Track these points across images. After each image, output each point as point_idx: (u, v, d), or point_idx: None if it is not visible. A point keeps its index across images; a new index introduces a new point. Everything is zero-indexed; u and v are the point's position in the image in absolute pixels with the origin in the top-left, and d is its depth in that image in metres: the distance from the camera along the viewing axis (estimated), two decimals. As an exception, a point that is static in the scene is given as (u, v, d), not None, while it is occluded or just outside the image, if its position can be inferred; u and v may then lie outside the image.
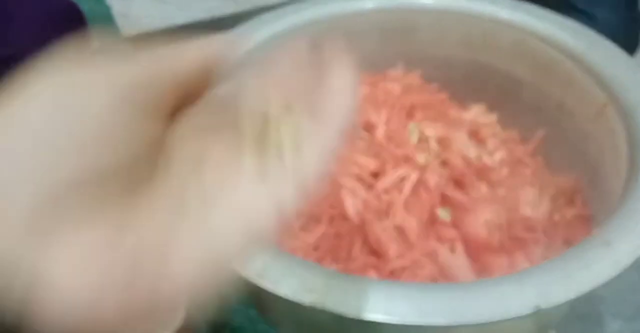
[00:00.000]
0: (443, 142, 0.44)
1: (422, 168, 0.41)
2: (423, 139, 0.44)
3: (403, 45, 0.54)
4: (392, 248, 0.38)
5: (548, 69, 0.49)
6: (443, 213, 0.40)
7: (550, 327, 0.45)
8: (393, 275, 0.38)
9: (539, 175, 0.48)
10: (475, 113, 0.51)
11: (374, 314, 0.29)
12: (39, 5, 0.57)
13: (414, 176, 0.40)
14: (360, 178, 0.41)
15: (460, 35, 0.53)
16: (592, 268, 0.32)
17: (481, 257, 0.39)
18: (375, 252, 0.39)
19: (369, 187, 0.41)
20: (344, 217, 0.40)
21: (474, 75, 0.54)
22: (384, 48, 0.54)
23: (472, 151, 0.44)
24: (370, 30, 0.53)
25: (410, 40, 0.54)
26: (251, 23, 0.48)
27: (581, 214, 0.46)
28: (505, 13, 0.51)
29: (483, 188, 0.43)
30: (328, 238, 0.41)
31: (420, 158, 0.41)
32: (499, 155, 0.46)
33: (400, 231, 0.39)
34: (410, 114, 0.46)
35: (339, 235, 0.41)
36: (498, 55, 0.52)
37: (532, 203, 0.44)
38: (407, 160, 0.42)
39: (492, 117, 0.52)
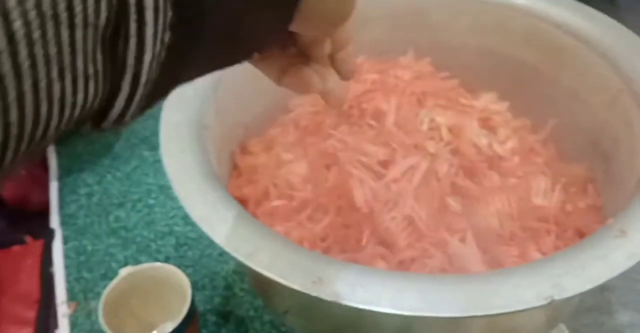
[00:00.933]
0: (454, 130, 0.43)
1: (433, 157, 0.40)
2: (434, 127, 0.43)
3: (414, 31, 0.53)
4: (401, 238, 0.37)
5: (562, 55, 0.48)
6: (453, 203, 0.39)
7: (561, 320, 0.45)
8: (402, 266, 0.38)
9: (551, 164, 0.47)
10: (487, 101, 0.50)
11: (383, 307, 0.29)
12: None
13: (424, 165, 0.39)
14: (369, 168, 0.40)
15: (472, 20, 0.52)
16: (607, 259, 0.31)
17: (492, 247, 0.39)
18: (384, 242, 0.39)
19: (378, 176, 0.40)
20: (352, 206, 0.40)
21: (485, 62, 0.53)
22: (394, 33, 0.53)
23: (483, 139, 0.43)
24: (381, 16, 0.52)
25: (421, 26, 0.53)
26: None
27: (593, 204, 0.45)
28: (518, -2, 0.50)
29: (494, 177, 0.42)
30: (336, 228, 0.40)
31: (431, 146, 0.40)
32: (510, 144, 0.45)
33: (410, 221, 0.38)
34: (420, 101, 0.45)
35: (347, 225, 0.40)
36: (510, 41, 0.51)
37: (544, 193, 0.43)
38: (418, 148, 0.41)
39: (503, 105, 0.51)
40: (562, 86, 0.49)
